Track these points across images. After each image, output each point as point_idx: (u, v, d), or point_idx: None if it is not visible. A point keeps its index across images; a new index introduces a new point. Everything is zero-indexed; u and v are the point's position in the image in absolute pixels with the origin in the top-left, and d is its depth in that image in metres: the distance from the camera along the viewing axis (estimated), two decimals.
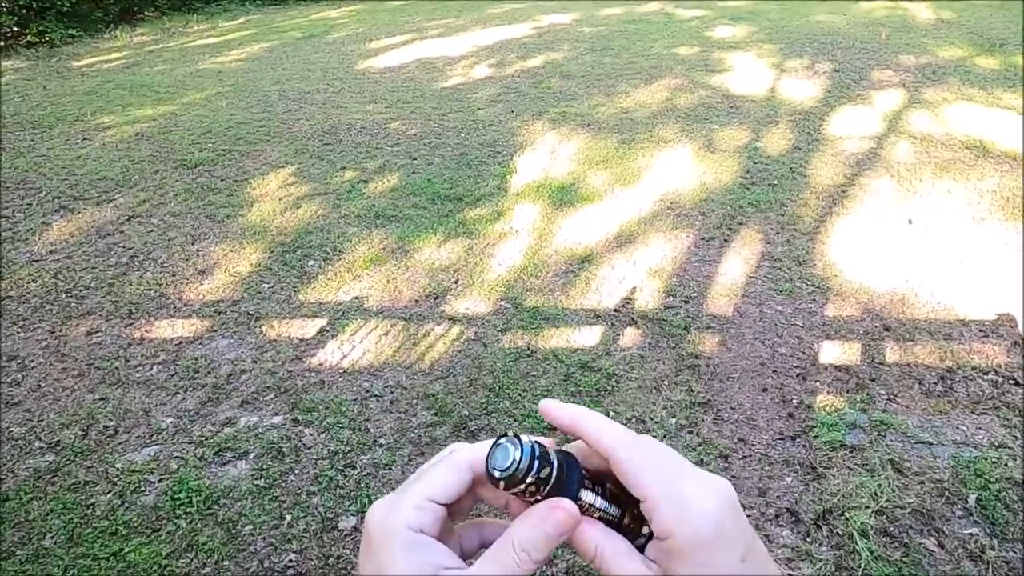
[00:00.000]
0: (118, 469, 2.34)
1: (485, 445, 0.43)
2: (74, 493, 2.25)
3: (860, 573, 1.88)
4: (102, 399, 2.67)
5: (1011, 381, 2.55)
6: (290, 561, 2.01)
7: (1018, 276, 3.18)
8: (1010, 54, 6.30)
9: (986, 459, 2.20)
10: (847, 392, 2.56)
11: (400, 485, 0.43)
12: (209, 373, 2.80)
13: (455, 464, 0.43)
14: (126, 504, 2.21)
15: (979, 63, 6.11)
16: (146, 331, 3.09)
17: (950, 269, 3.27)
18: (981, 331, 2.84)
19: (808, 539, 2.00)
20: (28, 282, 3.47)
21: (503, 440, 0.42)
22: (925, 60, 6.25)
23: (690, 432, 2.41)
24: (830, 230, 3.66)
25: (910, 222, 3.68)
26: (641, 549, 0.42)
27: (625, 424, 0.51)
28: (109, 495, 2.24)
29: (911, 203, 3.88)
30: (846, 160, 4.41)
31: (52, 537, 2.10)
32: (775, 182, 4.18)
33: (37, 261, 3.67)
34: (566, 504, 0.41)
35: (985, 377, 2.59)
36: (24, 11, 9.16)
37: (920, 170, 4.22)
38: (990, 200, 3.83)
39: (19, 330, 3.11)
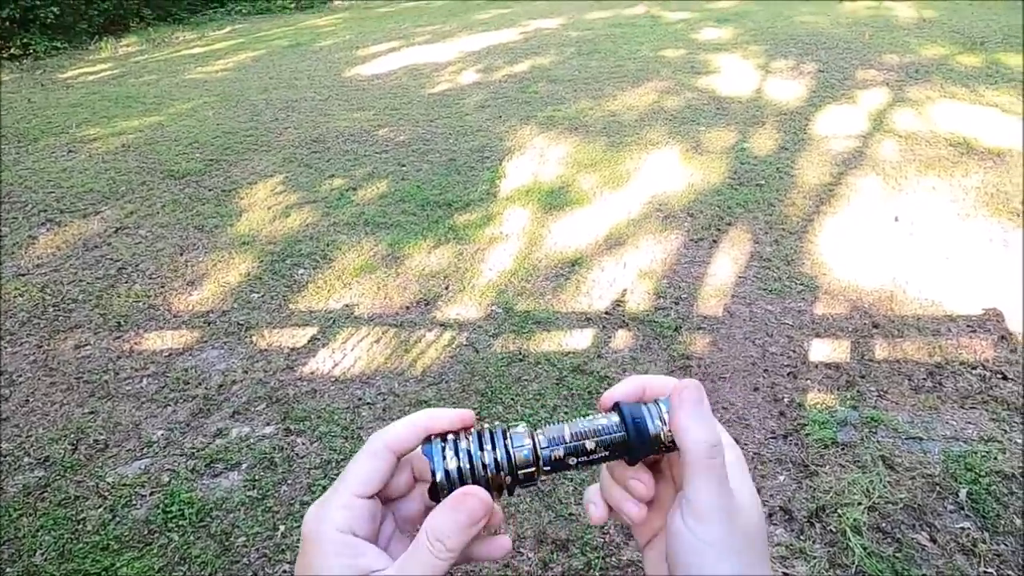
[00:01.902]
0: (109, 483, 2.32)
1: (401, 424, 0.44)
2: (64, 508, 2.23)
3: (854, 570, 1.89)
4: (91, 413, 2.65)
5: (999, 375, 2.58)
6: (284, 572, 2.00)
7: (1003, 271, 3.21)
8: (991, 52, 6.37)
9: (976, 453, 2.22)
10: (838, 390, 2.57)
11: (333, 483, 0.44)
12: (200, 384, 2.78)
13: (371, 452, 0.43)
14: (117, 518, 2.19)
15: (961, 61, 6.17)
16: (135, 343, 3.07)
17: (936, 265, 3.29)
18: (968, 326, 2.87)
19: (801, 537, 2.00)
20: (15, 296, 3.44)
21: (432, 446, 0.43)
22: (908, 59, 6.31)
23: None
24: (818, 229, 3.68)
25: (896, 219, 3.71)
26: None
27: None
28: (100, 510, 2.22)
29: (897, 201, 3.91)
30: (832, 159, 4.45)
31: (43, 553, 2.08)
32: (762, 182, 4.20)
33: (24, 275, 3.64)
34: (476, 491, 0.42)
35: (973, 372, 2.61)
36: (7, 24, 9.11)
37: (905, 168, 4.25)
38: (975, 196, 3.87)
39: (6, 345, 3.09)
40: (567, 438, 0.44)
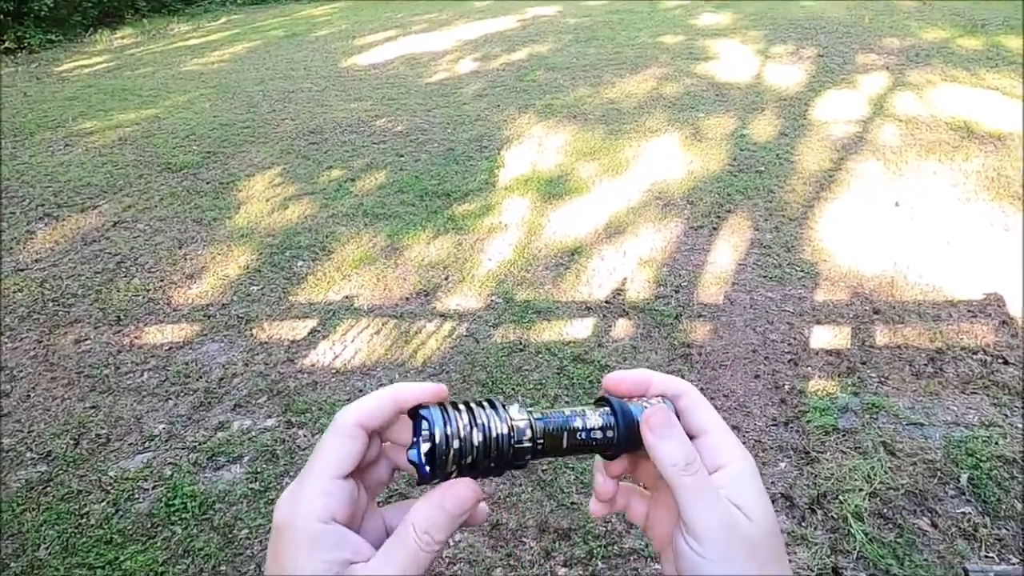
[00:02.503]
0: (111, 477, 2.33)
1: (370, 401, 0.42)
2: (67, 503, 2.23)
3: (855, 555, 1.90)
4: (93, 407, 2.66)
5: (1000, 360, 2.57)
6: None
7: (1005, 255, 3.20)
8: (992, 34, 6.32)
9: (977, 438, 2.22)
10: (838, 376, 2.57)
11: (303, 468, 0.42)
12: (200, 378, 2.78)
13: (344, 433, 0.41)
14: (120, 512, 2.19)
15: (962, 44, 6.13)
16: (135, 337, 3.06)
17: (937, 250, 3.28)
18: (969, 311, 2.86)
19: (803, 524, 2.01)
20: (14, 292, 3.44)
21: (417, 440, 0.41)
22: (909, 43, 6.27)
23: None
24: (818, 215, 3.67)
25: (897, 205, 3.70)
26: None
27: None
28: (103, 504, 2.23)
29: (898, 186, 3.89)
30: (832, 144, 4.42)
31: (47, 548, 2.09)
32: (762, 169, 4.18)
33: (22, 270, 3.63)
34: (465, 482, 0.40)
35: (974, 357, 2.61)
36: (1, 16, 9.05)
37: (906, 152, 4.23)
38: (975, 180, 3.85)
39: (6, 340, 3.08)
40: (559, 417, 0.43)
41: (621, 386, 0.47)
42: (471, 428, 0.40)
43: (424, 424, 0.40)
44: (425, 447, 0.40)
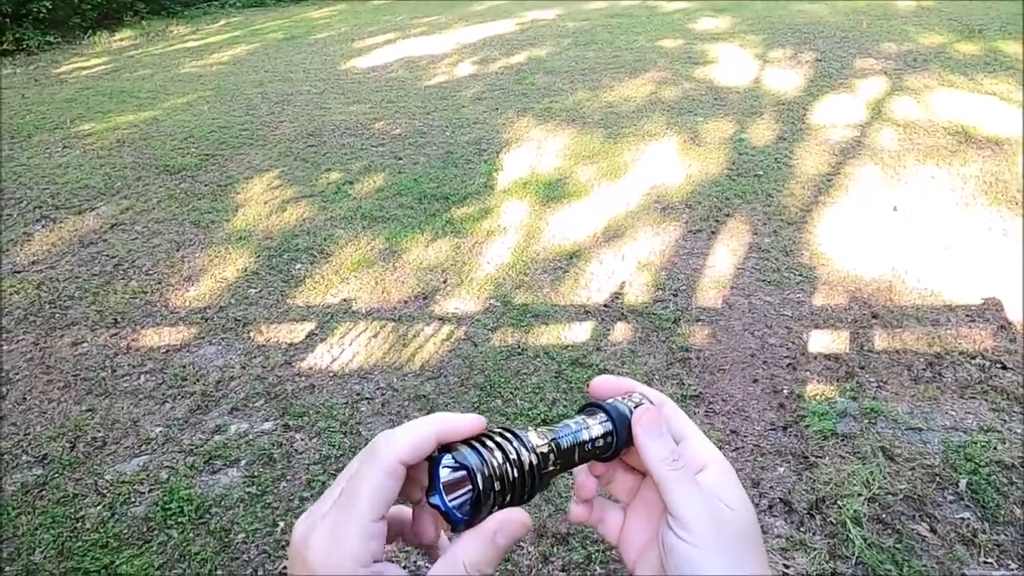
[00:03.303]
0: (107, 481, 2.32)
1: (411, 436, 0.40)
2: (63, 506, 2.22)
3: (854, 561, 1.89)
4: (89, 410, 2.64)
5: (998, 365, 2.57)
6: (284, 569, 2.00)
7: (1003, 260, 3.20)
8: (990, 39, 6.34)
9: (976, 443, 2.22)
10: (837, 380, 2.57)
11: (329, 497, 0.39)
12: (198, 380, 2.77)
13: (388, 471, 0.38)
14: (116, 516, 2.18)
15: (960, 49, 6.15)
16: (132, 340, 3.05)
17: (936, 255, 3.29)
18: (968, 316, 2.86)
19: (802, 528, 2.00)
20: (11, 294, 3.43)
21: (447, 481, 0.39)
22: (907, 47, 6.28)
23: None
24: (816, 219, 3.67)
25: (895, 209, 3.70)
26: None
27: None
28: (99, 507, 2.22)
29: (896, 190, 3.90)
30: (831, 149, 4.43)
31: (42, 552, 2.08)
32: (761, 173, 4.19)
33: (19, 272, 3.62)
34: (518, 515, 0.40)
35: (973, 362, 2.61)
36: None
37: (904, 157, 4.24)
38: (974, 185, 3.86)
39: (3, 343, 3.07)
40: (568, 433, 0.44)
41: (609, 386, 0.49)
42: (507, 466, 0.40)
43: (455, 470, 0.39)
44: (462, 495, 0.39)
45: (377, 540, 0.37)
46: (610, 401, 0.47)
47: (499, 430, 0.43)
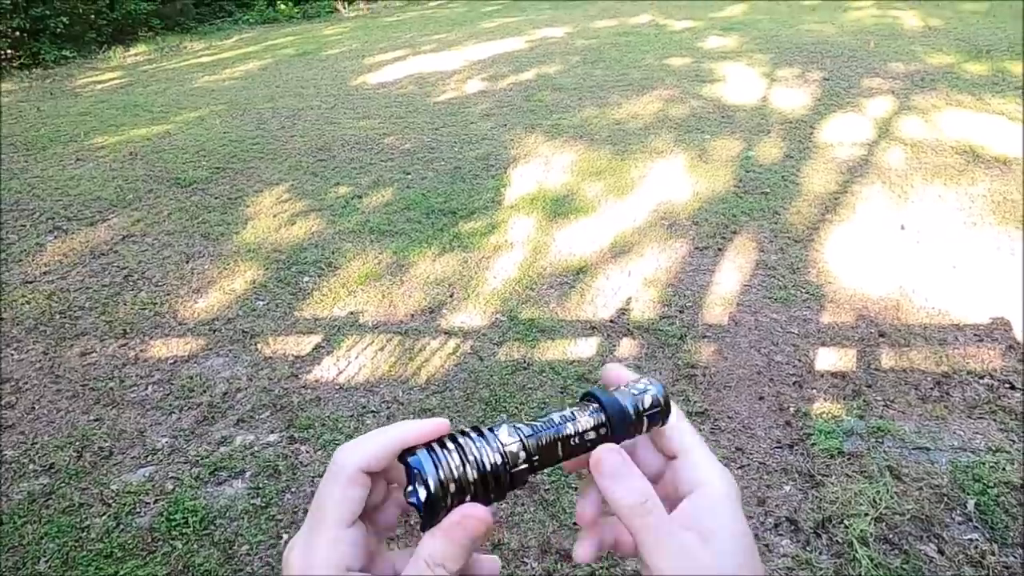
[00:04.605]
0: (113, 491, 2.32)
1: (371, 443, 0.41)
2: (68, 516, 2.23)
3: None
4: (97, 420, 2.66)
5: (1007, 385, 2.56)
6: None
7: (1012, 280, 3.19)
8: (997, 60, 6.36)
9: (984, 464, 2.20)
10: (844, 399, 2.56)
11: (308, 515, 0.42)
12: (204, 392, 2.79)
13: (347, 479, 0.41)
14: (121, 526, 2.19)
15: (967, 69, 6.16)
16: (141, 351, 3.08)
17: (943, 274, 3.28)
18: (976, 335, 2.85)
19: (808, 548, 1.99)
20: (22, 304, 3.46)
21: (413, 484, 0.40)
22: (914, 67, 6.30)
23: None
24: (823, 237, 3.67)
25: (903, 228, 3.70)
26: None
27: None
28: (104, 517, 2.22)
29: (903, 209, 3.89)
30: (838, 167, 4.44)
31: (47, 561, 2.08)
32: (768, 190, 4.19)
33: (31, 282, 3.66)
34: (474, 510, 0.40)
35: (981, 381, 2.59)
36: (17, 33, 9.21)
37: (911, 176, 4.24)
38: (981, 204, 3.85)
39: (13, 352, 3.10)
40: (549, 427, 0.43)
41: (623, 375, 0.47)
42: (464, 466, 0.40)
43: (416, 472, 0.40)
44: (422, 493, 0.39)
45: (348, 545, 0.40)
46: (610, 391, 0.45)
47: (466, 429, 0.42)
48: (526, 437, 0.42)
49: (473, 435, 0.41)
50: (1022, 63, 6.14)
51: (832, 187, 4.19)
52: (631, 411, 0.44)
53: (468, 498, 0.40)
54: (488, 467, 0.40)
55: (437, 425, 0.42)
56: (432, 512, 0.39)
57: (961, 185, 4.08)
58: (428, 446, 0.41)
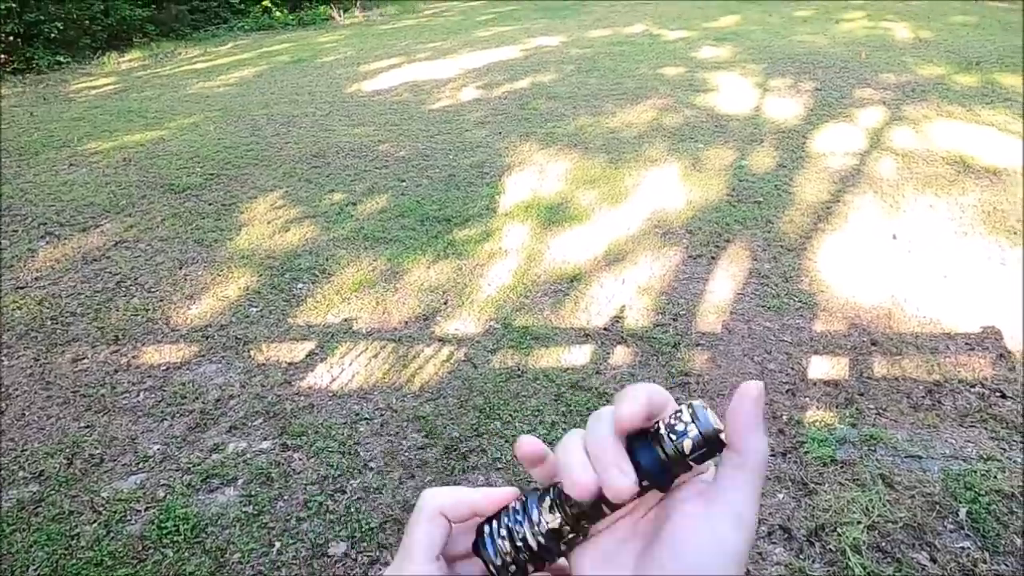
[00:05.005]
0: (103, 498, 2.31)
1: (452, 496, 0.44)
2: (58, 523, 2.21)
3: None
4: (87, 427, 2.64)
5: (997, 393, 2.57)
6: None
7: (1002, 289, 3.21)
8: (987, 71, 6.43)
9: (975, 472, 2.21)
10: (837, 407, 2.57)
11: (396, 553, 0.44)
12: (197, 399, 2.77)
13: (429, 517, 0.43)
14: (112, 534, 2.17)
15: (958, 80, 6.22)
16: (133, 357, 3.06)
17: (935, 283, 3.30)
18: (967, 344, 2.87)
19: (801, 556, 1.99)
20: (13, 309, 3.44)
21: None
22: (905, 78, 6.36)
23: None
24: (816, 246, 3.69)
25: (894, 237, 3.72)
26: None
27: None
28: (94, 525, 2.20)
29: (895, 218, 3.92)
30: (830, 177, 4.47)
31: (36, 569, 2.06)
32: (761, 199, 4.22)
33: (22, 288, 3.64)
34: None
35: (972, 390, 2.61)
36: (11, 38, 9.19)
37: (903, 186, 4.28)
38: (972, 214, 3.89)
39: (3, 358, 3.08)
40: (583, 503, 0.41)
41: (529, 450, 0.44)
42: (515, 554, 0.41)
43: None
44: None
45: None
46: (648, 432, 0.40)
47: (514, 504, 0.43)
48: (563, 516, 0.41)
49: (520, 511, 0.42)
50: (1022, 76, 6.21)
51: (824, 196, 4.22)
52: (671, 465, 0.39)
53: (532, 568, 0.42)
54: (535, 549, 0.41)
55: (507, 494, 0.45)
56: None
57: (952, 195, 4.11)
58: (489, 521, 0.43)
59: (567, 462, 0.40)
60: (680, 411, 0.40)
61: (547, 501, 0.41)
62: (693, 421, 0.39)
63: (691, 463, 0.39)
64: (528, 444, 0.44)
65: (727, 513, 0.38)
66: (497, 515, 0.43)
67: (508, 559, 0.41)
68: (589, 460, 0.40)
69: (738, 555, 0.38)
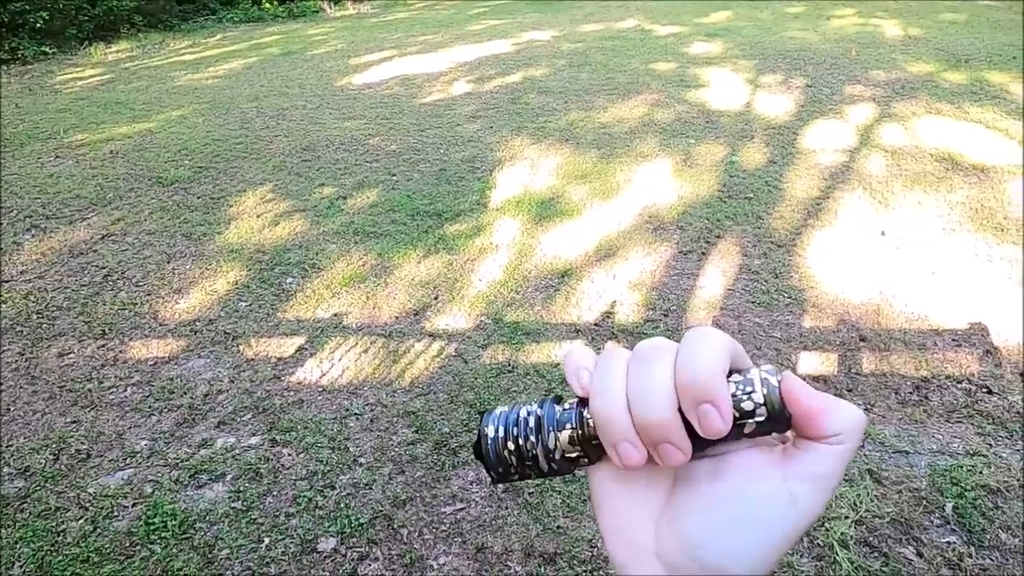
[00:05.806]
0: (90, 494, 2.29)
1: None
2: (44, 520, 2.19)
3: None
4: (74, 422, 2.62)
5: (984, 390, 2.59)
6: None
7: (988, 286, 3.24)
8: (976, 69, 6.46)
9: (962, 467, 2.23)
10: None
11: None
12: (185, 394, 2.75)
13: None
14: (98, 530, 2.15)
15: (947, 78, 6.26)
16: (120, 352, 3.03)
17: (923, 279, 3.32)
18: (954, 340, 2.89)
19: (789, 551, 2.00)
20: None
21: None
22: (895, 75, 6.39)
23: None
24: (806, 242, 3.71)
25: (883, 234, 3.74)
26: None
27: None
28: (81, 521, 2.19)
29: (884, 215, 3.94)
30: (820, 173, 4.48)
31: (21, 566, 2.04)
32: (751, 195, 4.23)
33: (7, 282, 3.60)
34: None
35: (959, 386, 2.63)
36: None
37: (892, 183, 4.30)
38: (960, 211, 3.91)
39: None
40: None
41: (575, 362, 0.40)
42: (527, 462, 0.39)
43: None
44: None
45: None
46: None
47: (526, 416, 0.39)
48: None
49: (535, 435, 0.39)
50: (1022, 77, 6.25)
51: (814, 193, 4.24)
52: (727, 440, 0.36)
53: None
54: (547, 470, 0.39)
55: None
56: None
57: (940, 192, 4.14)
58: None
59: (610, 427, 0.35)
60: (750, 378, 0.35)
61: (567, 431, 0.37)
62: (763, 397, 0.34)
63: (747, 436, 0.36)
64: (582, 357, 0.39)
65: (803, 473, 0.35)
66: (505, 423, 0.39)
67: (512, 470, 0.38)
68: (633, 418, 0.35)
69: (808, 515, 0.35)
